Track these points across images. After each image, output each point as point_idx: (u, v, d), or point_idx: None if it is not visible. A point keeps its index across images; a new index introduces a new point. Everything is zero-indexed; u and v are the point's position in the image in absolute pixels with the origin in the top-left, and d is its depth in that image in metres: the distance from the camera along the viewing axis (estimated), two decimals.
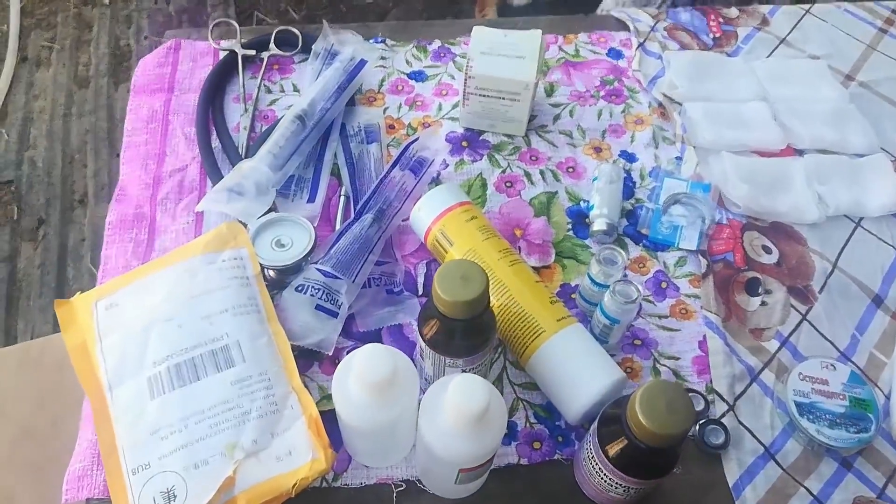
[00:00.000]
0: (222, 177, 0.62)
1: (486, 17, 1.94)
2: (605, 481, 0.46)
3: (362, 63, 0.70)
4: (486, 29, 0.68)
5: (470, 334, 0.47)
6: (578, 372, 0.51)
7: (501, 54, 0.66)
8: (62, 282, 1.58)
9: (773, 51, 0.79)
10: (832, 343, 0.58)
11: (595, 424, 0.46)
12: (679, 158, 0.69)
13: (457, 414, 0.41)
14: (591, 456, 0.47)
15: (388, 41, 0.77)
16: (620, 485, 0.46)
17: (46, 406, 0.81)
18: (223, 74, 0.71)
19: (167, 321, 0.51)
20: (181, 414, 0.47)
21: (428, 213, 0.59)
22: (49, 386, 0.83)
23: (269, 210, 0.60)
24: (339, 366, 0.45)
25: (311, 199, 0.63)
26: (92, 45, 2.06)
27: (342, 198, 0.64)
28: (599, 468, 0.46)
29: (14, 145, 1.84)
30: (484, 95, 0.67)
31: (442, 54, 0.77)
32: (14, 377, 0.84)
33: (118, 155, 1.88)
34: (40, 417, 0.80)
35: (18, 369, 0.85)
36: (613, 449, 0.44)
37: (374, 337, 0.57)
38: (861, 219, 0.66)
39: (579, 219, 0.65)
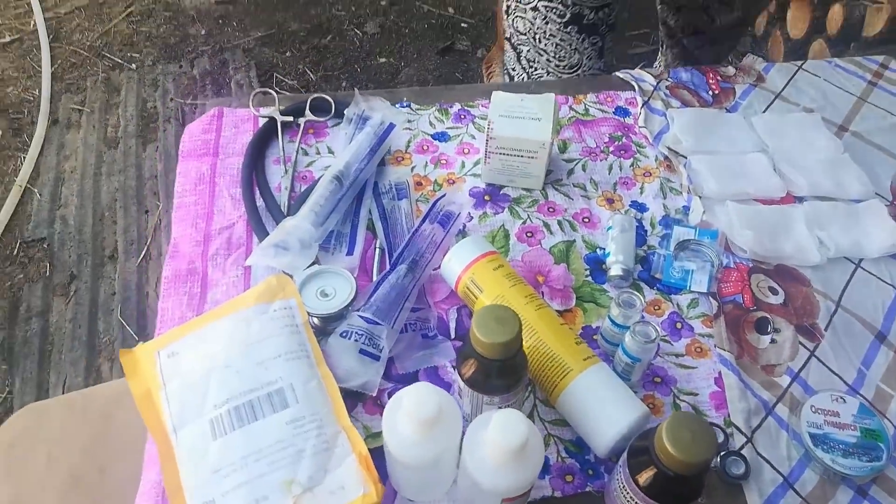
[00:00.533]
0: (268, 234, 0.68)
1: (493, 74, 2.02)
2: None
3: (391, 127, 0.77)
4: (504, 93, 0.74)
5: (505, 374, 0.52)
6: (605, 408, 0.55)
7: (519, 116, 0.72)
8: (93, 335, 1.63)
9: (770, 105, 0.85)
10: (840, 377, 0.62)
11: (624, 456, 0.50)
12: (686, 208, 0.74)
13: (499, 447, 0.45)
14: (622, 486, 0.51)
15: (413, 105, 0.84)
16: None
17: (93, 454, 0.85)
18: (264, 139, 0.78)
19: (225, 367, 0.56)
20: (242, 453, 0.52)
21: (458, 263, 0.64)
22: (95, 435, 0.87)
23: (313, 263, 0.65)
24: (388, 404, 0.49)
25: (350, 252, 0.68)
26: (120, 108, 2.16)
27: (377, 250, 0.70)
28: (631, 497, 0.50)
29: (46, 204, 1.92)
30: (504, 154, 0.73)
31: (462, 116, 0.83)
32: (61, 427, 0.89)
33: (147, 212, 1.95)
34: (88, 466, 0.84)
35: (64, 420, 0.89)
36: (643, 478, 0.48)
37: (412, 378, 0.61)
38: (861, 260, 0.71)
39: (597, 265, 0.70)
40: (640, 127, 0.82)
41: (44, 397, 1.54)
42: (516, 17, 1.00)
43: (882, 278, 0.69)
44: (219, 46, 2.34)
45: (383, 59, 2.29)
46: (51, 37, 2.41)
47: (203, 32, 2.40)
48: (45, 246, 1.82)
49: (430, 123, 0.82)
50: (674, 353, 0.64)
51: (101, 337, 1.63)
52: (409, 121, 0.82)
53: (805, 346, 0.64)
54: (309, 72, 2.22)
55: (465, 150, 0.80)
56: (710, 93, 0.86)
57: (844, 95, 0.85)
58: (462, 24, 2.36)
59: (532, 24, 0.98)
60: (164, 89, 2.20)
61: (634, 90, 0.86)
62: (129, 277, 1.74)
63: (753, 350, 0.64)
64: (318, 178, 0.73)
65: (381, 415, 0.49)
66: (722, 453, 0.57)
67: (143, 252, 1.79)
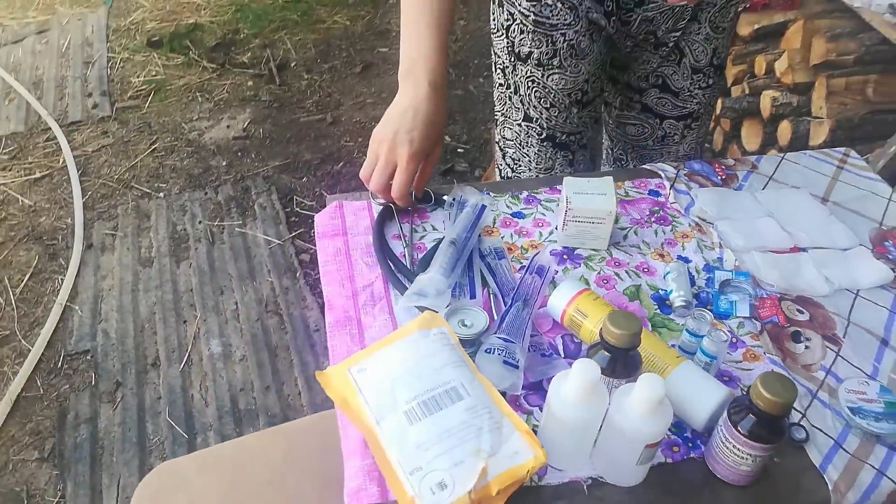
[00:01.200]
0: (405, 287, 0.85)
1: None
2: (738, 455, 0.66)
3: (484, 207, 0.98)
4: (573, 178, 0.97)
5: (630, 362, 0.69)
6: (700, 391, 0.73)
7: (588, 192, 0.94)
8: (143, 437, 1.71)
9: (765, 185, 1.09)
10: (861, 370, 0.82)
11: (725, 415, 0.67)
12: (720, 258, 0.95)
13: (645, 400, 0.62)
14: (724, 440, 0.67)
15: (491, 193, 1.05)
16: (749, 454, 0.66)
17: (231, 500, 0.96)
18: (383, 220, 0.97)
19: (408, 374, 0.72)
20: (436, 432, 0.67)
21: (562, 299, 0.83)
22: (229, 484, 0.98)
23: (448, 305, 0.83)
24: (553, 381, 0.66)
25: (473, 297, 0.86)
26: (151, 231, 2.34)
27: (491, 295, 0.88)
28: (733, 444, 0.66)
29: (87, 319, 2.03)
30: (579, 221, 0.94)
31: (530, 200, 1.05)
32: (196, 481, 1.00)
33: (185, 322, 2.08)
34: None
35: (199, 474, 1.00)
36: (743, 424, 0.65)
37: (538, 386, 0.78)
38: (858, 290, 0.92)
39: (662, 302, 0.89)
40: (671, 203, 1.04)
41: (98, 500, 1.60)
42: (504, 128, 1.26)
43: (877, 302, 0.90)
44: (240, 175, 2.58)
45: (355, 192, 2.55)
46: (80, 171, 2.62)
47: (224, 164, 2.64)
48: (88, 358, 1.92)
49: (507, 206, 1.04)
50: (734, 360, 0.82)
51: (150, 438, 1.71)
52: (491, 204, 1.03)
53: (831, 349, 0.83)
54: (325, 194, 2.46)
55: (540, 224, 1.00)
56: (719, 178, 1.10)
57: (820, 176, 1.10)
58: (459, 150, 2.67)
59: (518, 135, 1.23)
60: (192, 213, 2.40)
61: (661, 177, 1.09)
62: (173, 382, 1.84)
63: (794, 355, 0.83)
64: (432, 247, 0.93)
65: (521, 411, 0.66)
66: (789, 424, 0.75)
67: (185, 358, 1.91)
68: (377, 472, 0.69)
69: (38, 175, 2.58)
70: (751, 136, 2.29)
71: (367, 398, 0.71)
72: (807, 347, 0.84)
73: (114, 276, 2.15)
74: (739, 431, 0.66)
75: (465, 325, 0.80)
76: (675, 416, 0.75)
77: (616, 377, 0.70)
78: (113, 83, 3.10)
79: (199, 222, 2.34)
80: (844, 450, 0.74)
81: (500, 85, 1.23)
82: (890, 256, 0.97)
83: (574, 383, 0.64)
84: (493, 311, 0.86)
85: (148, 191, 2.49)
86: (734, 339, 0.85)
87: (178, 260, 2.20)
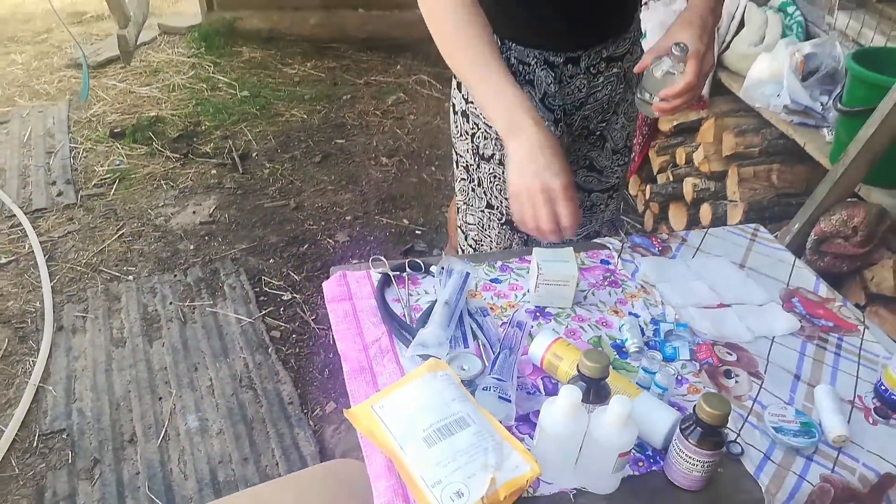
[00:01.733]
0: (410, 340, 1.01)
1: None
2: (689, 462, 0.84)
3: (468, 274, 1.16)
4: (542, 248, 1.17)
5: (602, 390, 0.87)
6: (656, 416, 0.91)
7: (554, 260, 1.14)
8: None
9: (694, 255, 1.32)
10: (780, 398, 1.01)
11: (677, 430, 0.85)
12: (663, 313, 1.16)
13: (617, 414, 0.79)
14: (677, 451, 0.85)
15: (472, 263, 1.24)
16: (699, 461, 0.83)
17: None
18: (383, 286, 1.14)
19: (424, 407, 0.87)
20: (451, 452, 0.82)
21: (540, 346, 1.00)
22: None
23: (447, 353, 0.99)
24: (544, 405, 0.83)
25: (466, 346, 1.03)
26: (122, 313, 2.41)
27: (481, 346, 1.05)
28: (686, 454, 0.84)
29: (62, 399, 2.07)
30: (548, 284, 1.13)
31: (504, 268, 1.24)
32: None
33: (160, 398, 2.15)
34: None
35: None
36: (692, 435, 0.83)
37: (525, 418, 0.94)
38: (773, 337, 1.13)
39: (619, 349, 1.08)
40: (619, 269, 1.25)
41: None
42: (467, 214, 1.44)
43: (788, 346, 1.12)
44: (208, 258, 2.69)
45: (356, 262, 2.71)
46: (46, 256, 2.68)
47: (192, 247, 2.75)
48: (64, 436, 1.95)
49: (486, 273, 1.22)
50: (680, 394, 1.01)
51: None
52: (473, 271, 1.21)
53: (756, 383, 1.03)
54: (292, 274, 2.60)
55: (514, 287, 1.19)
56: (657, 249, 1.32)
57: (737, 247, 1.34)
58: (417, 231, 2.87)
59: (480, 220, 1.42)
60: (162, 295, 2.48)
61: (610, 249, 1.31)
62: (151, 457, 1.89)
63: (727, 388, 1.02)
64: (427, 307, 1.10)
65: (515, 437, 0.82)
66: (728, 441, 0.93)
67: (162, 433, 1.97)
68: (402, 489, 0.83)
69: (3, 261, 2.62)
70: (677, 217, 2.59)
71: (391, 428, 0.86)
72: (736, 382, 1.03)
73: (86, 356, 2.20)
74: (689, 441, 0.83)
75: (464, 369, 0.96)
76: (638, 438, 0.93)
77: (591, 403, 0.87)
78: (77, 172, 3.20)
79: (170, 303, 2.43)
80: (772, 461, 0.92)
81: (464, 179, 1.43)
82: (796, 310, 1.19)
83: (561, 403, 0.81)
84: (484, 358, 1.02)
85: (117, 274, 2.57)
86: (679, 377, 1.04)
87: (151, 339, 2.28)
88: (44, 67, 4.23)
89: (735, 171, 2.37)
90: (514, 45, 1.27)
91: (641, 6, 1.42)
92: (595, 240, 1.35)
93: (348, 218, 2.92)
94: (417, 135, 3.59)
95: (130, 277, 2.55)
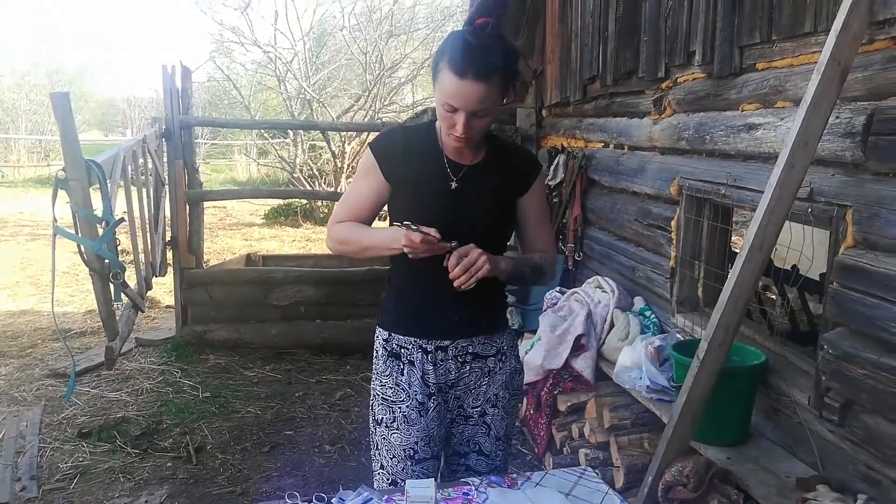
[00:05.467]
0: None
1: None
2: None
3: None
4: (414, 481, 1.59)
5: None
6: None
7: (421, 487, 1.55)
8: None
9: (535, 486, 1.73)
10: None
11: None
12: None
13: None
14: None
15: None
16: None
17: None
18: None
19: None
20: None
21: None
22: None
23: None
24: None
25: None
26: None
27: None
28: None
29: None
30: None
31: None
32: None
33: None
34: None
35: None
36: None
37: None
38: None
39: None
40: (475, 499, 1.66)
41: None
42: (373, 480, 1.87)
43: None
44: None
45: None
46: None
47: None
48: None
49: None
50: None
51: None
52: None
53: None
54: None
55: None
56: (506, 485, 1.74)
57: (567, 482, 1.76)
58: None
59: (379, 483, 1.84)
60: None
61: (471, 484, 1.72)
62: None
63: None
64: None
65: None
66: None
67: None
68: None
69: None
70: None
71: None
72: None
73: None
74: None
75: None
76: None
77: None
78: (42, 469, 3.49)
79: None
80: None
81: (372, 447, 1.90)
82: None
83: None
84: None
85: None
86: None
87: None
88: (25, 378, 4.71)
89: (614, 441, 2.83)
90: (394, 335, 1.83)
91: (511, 315, 2.03)
92: (460, 479, 1.77)
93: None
94: (360, 424, 4.02)
95: None
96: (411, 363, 1.83)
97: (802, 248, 2.50)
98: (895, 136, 1.82)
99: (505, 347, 1.90)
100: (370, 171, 1.79)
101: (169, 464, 3.55)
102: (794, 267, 3.55)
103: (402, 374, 1.83)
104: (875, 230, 1.88)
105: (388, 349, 1.85)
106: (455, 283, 1.61)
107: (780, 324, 3.13)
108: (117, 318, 3.33)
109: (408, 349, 1.83)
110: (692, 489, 2.14)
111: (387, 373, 1.85)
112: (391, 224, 1.79)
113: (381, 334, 1.89)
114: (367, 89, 12.22)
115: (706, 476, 2.16)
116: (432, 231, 1.58)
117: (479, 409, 1.87)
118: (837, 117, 2.00)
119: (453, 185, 1.75)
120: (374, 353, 1.90)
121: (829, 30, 1.90)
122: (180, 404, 4.22)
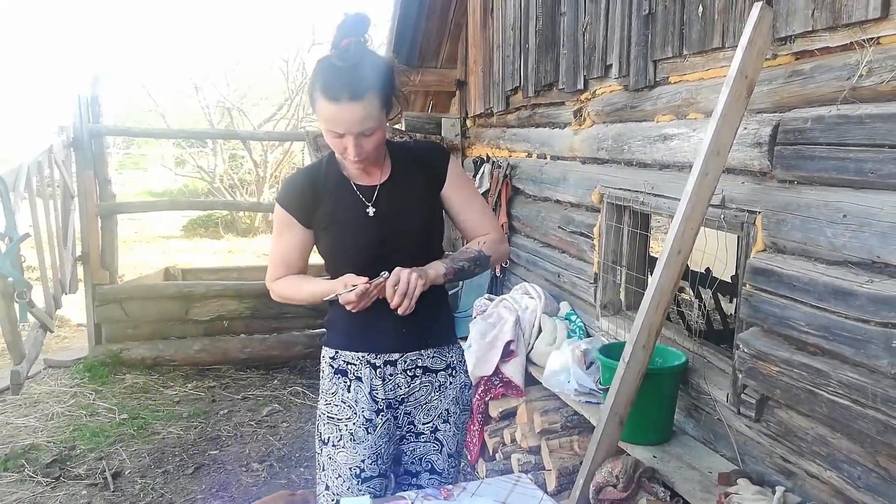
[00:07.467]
0: None
1: None
2: None
3: None
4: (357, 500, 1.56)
5: None
6: None
7: None
8: None
9: (472, 495, 1.74)
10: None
11: None
12: None
13: None
14: None
15: None
16: None
17: None
18: None
19: None
20: None
21: None
22: None
23: None
24: None
25: None
26: None
27: None
28: None
29: None
30: None
31: None
32: None
33: None
34: None
35: None
36: None
37: None
38: None
39: None
40: None
41: None
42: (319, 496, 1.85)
43: None
44: None
45: None
46: None
47: None
48: None
49: None
50: None
51: None
52: None
53: None
54: None
55: None
56: (442, 497, 1.74)
57: (503, 490, 1.78)
58: None
59: (325, 501, 1.84)
60: None
61: (406, 499, 1.71)
62: None
63: None
64: None
65: None
66: None
67: None
68: None
69: None
70: None
71: None
72: None
73: None
74: None
75: None
76: None
77: None
78: None
79: None
80: None
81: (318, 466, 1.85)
82: None
83: None
84: None
85: None
86: None
87: None
88: None
89: (545, 444, 2.88)
90: (340, 352, 1.80)
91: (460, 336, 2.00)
92: (398, 493, 1.76)
93: None
94: (289, 440, 3.93)
95: None
96: (358, 379, 1.80)
97: (717, 251, 2.62)
98: (799, 145, 1.93)
99: (455, 362, 1.90)
100: (287, 224, 1.78)
101: (84, 492, 3.36)
102: (707, 269, 3.72)
103: (349, 391, 1.80)
104: (783, 234, 1.99)
105: (335, 367, 1.82)
106: (399, 311, 1.61)
107: (697, 325, 3.27)
108: (23, 339, 3.13)
109: (355, 365, 1.80)
110: (622, 489, 2.20)
111: (332, 391, 1.82)
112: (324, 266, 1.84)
113: (327, 353, 1.85)
114: (290, 98, 12.04)
115: (635, 475, 2.23)
116: (360, 281, 1.60)
117: (430, 424, 1.86)
118: (745, 128, 2.12)
119: (370, 210, 1.75)
120: (321, 374, 1.87)
121: (737, 45, 2.00)
122: (95, 428, 4.01)
